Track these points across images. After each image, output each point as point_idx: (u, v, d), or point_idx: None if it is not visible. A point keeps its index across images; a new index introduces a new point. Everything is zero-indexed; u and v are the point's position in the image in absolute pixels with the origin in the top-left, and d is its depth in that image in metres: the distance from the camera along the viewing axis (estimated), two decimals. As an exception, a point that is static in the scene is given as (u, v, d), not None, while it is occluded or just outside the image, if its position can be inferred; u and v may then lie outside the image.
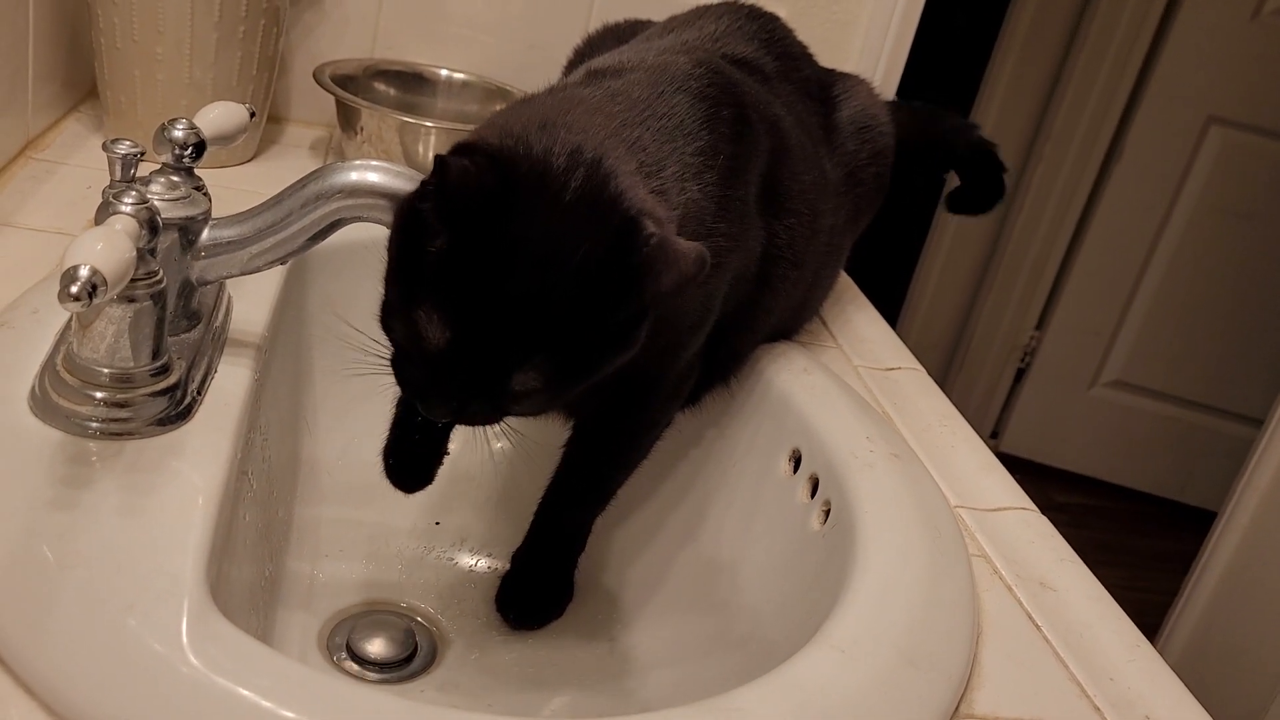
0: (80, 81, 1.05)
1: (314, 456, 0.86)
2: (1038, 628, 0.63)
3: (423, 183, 0.58)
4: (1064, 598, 0.66)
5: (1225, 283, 2.62)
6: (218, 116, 0.66)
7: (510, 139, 0.57)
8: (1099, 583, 0.68)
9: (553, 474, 0.75)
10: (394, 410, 0.71)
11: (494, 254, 0.54)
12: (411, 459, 0.71)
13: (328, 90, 1.01)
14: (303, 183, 0.63)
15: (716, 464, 0.81)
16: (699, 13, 0.86)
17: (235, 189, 0.91)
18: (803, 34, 0.92)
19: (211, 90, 0.97)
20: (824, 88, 0.90)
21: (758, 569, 0.74)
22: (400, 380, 0.59)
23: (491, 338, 0.55)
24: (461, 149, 0.57)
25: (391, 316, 0.58)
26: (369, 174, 0.62)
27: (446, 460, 0.89)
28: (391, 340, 0.59)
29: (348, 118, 1.02)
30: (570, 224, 0.55)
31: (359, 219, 0.63)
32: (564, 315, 0.54)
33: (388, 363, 0.59)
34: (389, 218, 0.62)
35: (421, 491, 0.72)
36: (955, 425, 0.84)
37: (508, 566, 0.78)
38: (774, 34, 0.86)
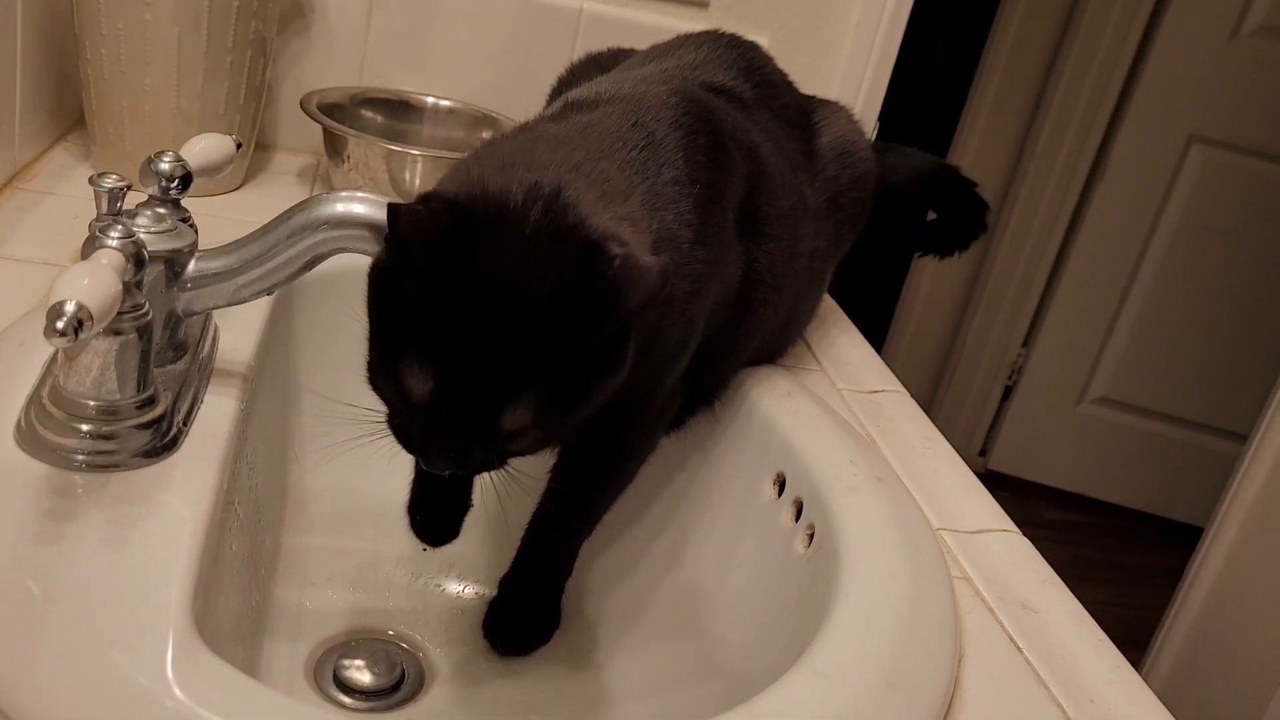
0: (67, 112, 1.06)
1: (301, 485, 0.86)
2: (1019, 649, 0.63)
3: (385, 238, 0.58)
4: (1045, 619, 0.67)
5: (1209, 299, 2.65)
6: (204, 148, 0.66)
7: (468, 184, 0.58)
8: (1080, 604, 0.69)
9: (539, 500, 0.75)
10: (414, 466, 0.71)
11: (462, 296, 0.54)
12: (436, 512, 0.72)
13: (314, 119, 1.02)
14: (289, 214, 0.63)
15: (701, 489, 0.82)
16: (679, 41, 0.87)
17: (223, 217, 0.91)
18: (784, 62, 0.93)
19: (199, 120, 0.98)
20: (804, 114, 0.91)
21: (742, 594, 0.75)
22: (399, 438, 0.59)
23: (473, 380, 0.55)
24: (419, 199, 0.57)
25: (377, 376, 0.58)
26: (355, 205, 0.62)
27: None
28: (383, 400, 0.59)
29: (335, 146, 1.03)
30: (534, 257, 0.55)
31: (345, 250, 0.63)
32: (542, 348, 0.55)
33: (386, 424, 0.59)
34: (374, 249, 0.63)
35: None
36: (938, 448, 0.85)
37: (495, 593, 0.79)
38: (753, 62, 0.87)
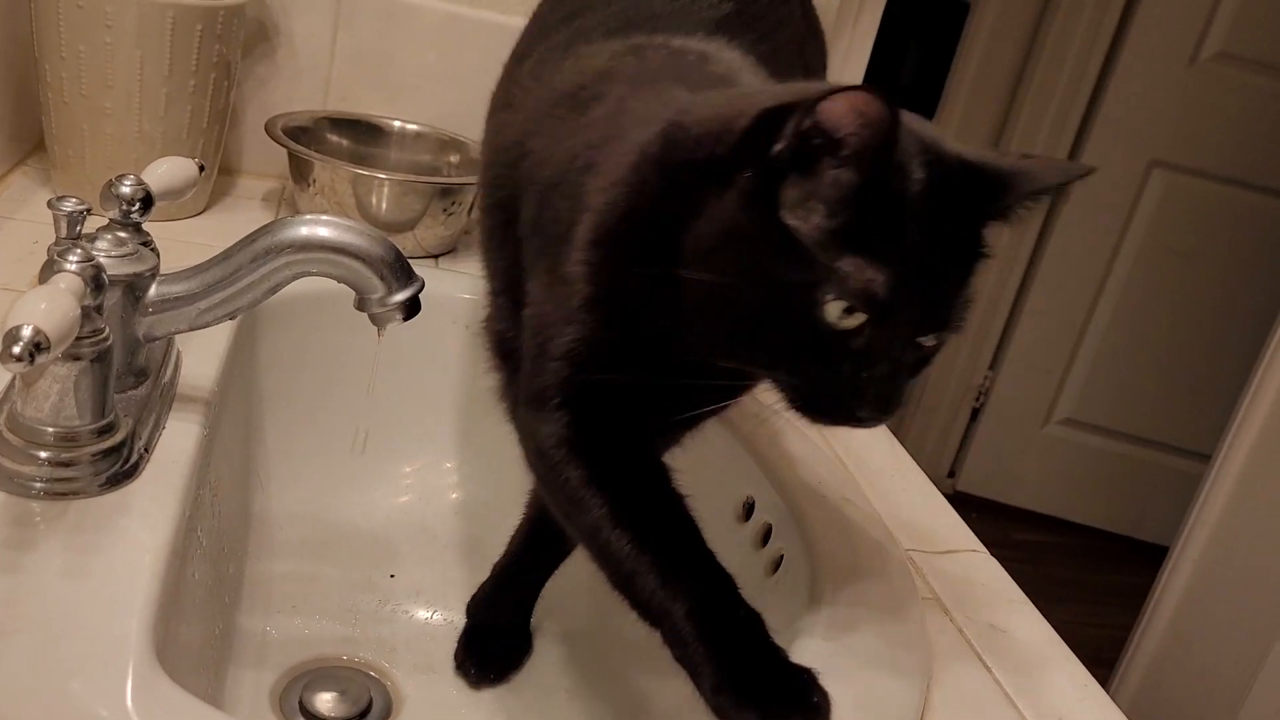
0: (27, 135, 1.05)
1: (265, 511, 0.85)
2: (988, 669, 0.63)
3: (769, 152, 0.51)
4: (1014, 638, 0.67)
5: (1171, 321, 2.68)
6: (166, 172, 0.66)
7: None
8: (1048, 623, 0.69)
9: (516, 528, 0.75)
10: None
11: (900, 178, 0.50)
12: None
13: (279, 143, 1.02)
14: (252, 238, 0.62)
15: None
16: None
17: (186, 242, 0.91)
18: (750, 85, 0.93)
19: (161, 143, 0.97)
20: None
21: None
22: (822, 393, 0.53)
23: (940, 255, 0.50)
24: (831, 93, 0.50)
25: (788, 308, 0.50)
26: (319, 229, 0.62)
27: (402, 512, 0.88)
28: (803, 356, 0.53)
29: (300, 170, 1.03)
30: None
31: (309, 274, 0.63)
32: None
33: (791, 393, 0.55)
34: (339, 272, 0.62)
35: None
36: (906, 469, 0.85)
37: (463, 619, 0.78)
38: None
